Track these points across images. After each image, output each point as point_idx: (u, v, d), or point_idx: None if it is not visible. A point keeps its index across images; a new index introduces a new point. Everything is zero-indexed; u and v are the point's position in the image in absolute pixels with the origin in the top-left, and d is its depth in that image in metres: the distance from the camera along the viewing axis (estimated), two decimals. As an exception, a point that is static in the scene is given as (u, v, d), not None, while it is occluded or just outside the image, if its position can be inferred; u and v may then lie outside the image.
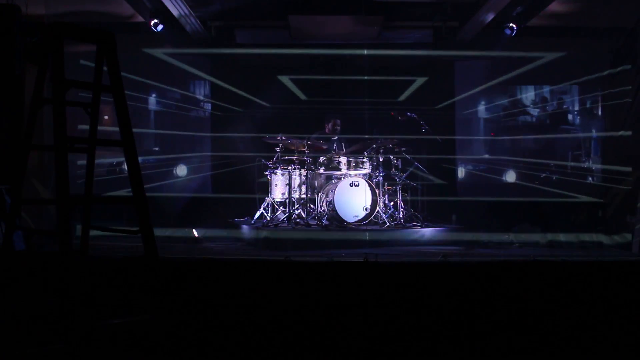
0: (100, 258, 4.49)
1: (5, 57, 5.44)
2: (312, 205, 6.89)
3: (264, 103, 8.71)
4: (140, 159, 3.13)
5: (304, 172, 6.93)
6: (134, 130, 3.07)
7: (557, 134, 8.97)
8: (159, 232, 3.60)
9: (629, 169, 7.26)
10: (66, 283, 2.69)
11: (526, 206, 8.10)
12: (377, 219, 6.70)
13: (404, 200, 6.97)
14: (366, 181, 6.71)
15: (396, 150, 7.09)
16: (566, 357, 3.02)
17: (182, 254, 5.46)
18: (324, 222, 6.59)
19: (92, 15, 7.64)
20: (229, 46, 8.46)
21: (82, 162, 3.37)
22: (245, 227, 6.92)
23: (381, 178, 6.88)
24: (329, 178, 7.04)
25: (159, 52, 8.21)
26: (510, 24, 7.62)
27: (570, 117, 9.05)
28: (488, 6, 7.27)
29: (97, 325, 2.82)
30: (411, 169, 7.09)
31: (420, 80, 8.70)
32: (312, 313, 3.56)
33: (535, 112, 9.15)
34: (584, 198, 8.05)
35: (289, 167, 6.96)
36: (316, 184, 7.04)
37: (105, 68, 3.08)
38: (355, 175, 6.83)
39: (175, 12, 7.42)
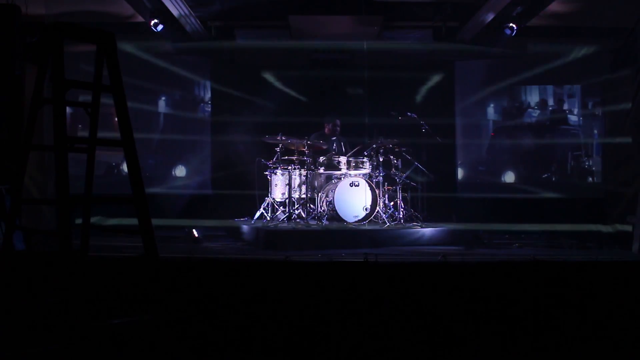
0: (100, 258, 4.49)
1: (5, 57, 5.43)
2: (312, 205, 6.89)
3: (263, 103, 8.72)
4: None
5: (304, 172, 6.93)
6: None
7: (557, 134, 8.98)
8: (159, 232, 3.59)
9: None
10: (66, 283, 2.70)
11: (526, 206, 8.12)
12: (377, 219, 6.70)
13: (404, 200, 6.97)
14: (366, 181, 6.72)
15: (396, 150, 7.09)
16: (566, 357, 3.02)
17: (182, 254, 5.45)
18: (324, 222, 6.59)
19: (92, 15, 7.65)
20: (228, 45, 8.47)
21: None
22: (245, 227, 6.92)
23: (381, 178, 6.88)
24: (329, 178, 7.04)
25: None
26: (510, 24, 7.62)
27: (569, 117, 9.06)
28: (488, 6, 7.27)
29: (97, 325, 2.82)
30: (409, 172, 7.08)
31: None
32: (312, 313, 3.56)
33: (535, 112, 9.15)
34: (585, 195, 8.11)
35: (289, 167, 6.96)
36: (316, 184, 7.04)
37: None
38: (355, 175, 6.83)
39: (175, 12, 7.43)
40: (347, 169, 6.95)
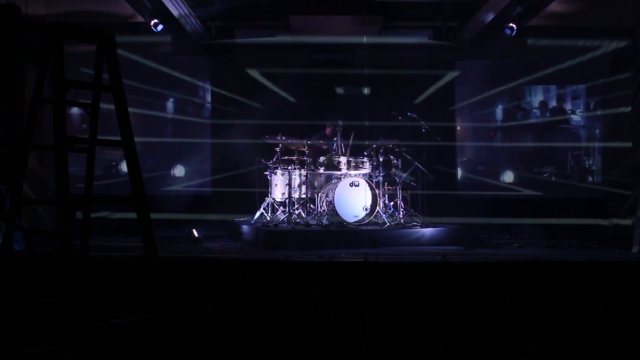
0: (100, 258, 4.49)
1: (5, 57, 5.43)
2: (312, 205, 6.89)
3: (263, 103, 8.73)
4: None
5: (304, 172, 6.93)
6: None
7: (557, 134, 8.99)
8: (159, 232, 3.59)
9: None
10: (66, 283, 2.69)
11: (526, 205, 8.13)
12: (377, 219, 6.70)
13: (404, 200, 6.97)
14: (366, 181, 6.71)
15: (396, 150, 7.09)
16: (566, 357, 3.01)
17: (182, 254, 5.45)
18: (324, 222, 6.59)
19: (92, 15, 7.65)
20: (228, 44, 8.48)
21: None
22: (245, 227, 6.92)
23: (381, 178, 6.88)
24: (329, 178, 7.04)
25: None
26: (510, 24, 7.62)
27: (569, 117, 9.06)
28: (488, 6, 7.28)
29: (97, 325, 2.82)
30: (408, 175, 7.08)
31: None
32: (313, 313, 3.56)
33: (535, 112, 9.16)
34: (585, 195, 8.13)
35: (289, 167, 6.96)
36: (316, 184, 7.03)
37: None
38: (355, 175, 6.82)
39: (175, 12, 7.43)
40: (347, 169, 6.94)
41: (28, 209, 6.86)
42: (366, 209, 6.65)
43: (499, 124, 9.17)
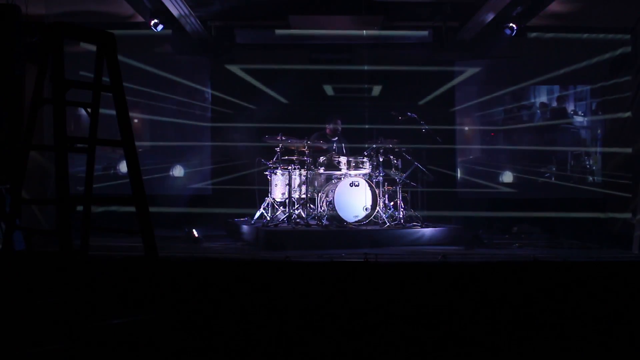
0: (100, 258, 4.49)
1: (5, 57, 5.43)
2: (312, 205, 6.89)
3: (263, 103, 8.73)
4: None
5: (304, 172, 6.93)
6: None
7: (557, 134, 8.98)
8: (159, 231, 3.59)
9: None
10: (66, 283, 2.70)
11: (525, 205, 8.13)
12: (377, 219, 6.70)
13: (404, 200, 6.97)
14: (366, 181, 6.71)
15: (396, 150, 7.09)
16: (567, 357, 3.01)
17: (182, 254, 5.45)
18: (324, 222, 6.59)
19: (92, 15, 7.65)
20: (229, 46, 8.49)
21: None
22: (245, 227, 6.92)
23: (381, 178, 6.88)
24: (329, 178, 7.04)
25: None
26: (510, 24, 7.62)
27: (570, 117, 9.05)
28: (488, 6, 7.28)
29: (97, 325, 2.82)
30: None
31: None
32: (313, 313, 3.56)
33: (535, 112, 9.15)
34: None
35: (289, 167, 6.96)
36: (316, 184, 7.03)
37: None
38: (355, 175, 6.82)
39: (175, 12, 7.43)
40: (347, 169, 6.94)
41: (28, 209, 6.86)
42: (366, 209, 6.65)
43: (498, 123, 9.17)
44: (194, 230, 6.71)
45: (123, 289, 3.61)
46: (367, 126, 8.22)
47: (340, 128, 7.64)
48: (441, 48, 8.47)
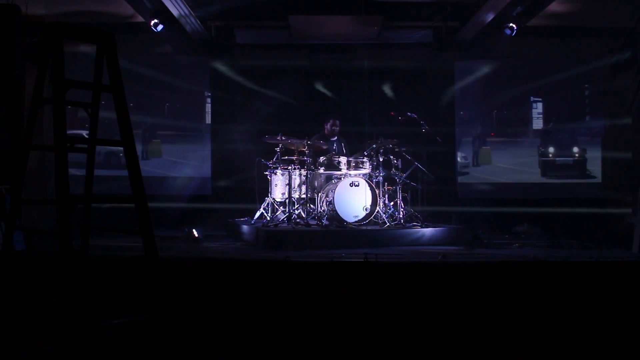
0: (100, 258, 4.49)
1: (5, 57, 5.44)
2: (312, 205, 6.89)
3: (263, 103, 8.72)
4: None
5: (304, 172, 6.93)
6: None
7: (557, 134, 8.98)
8: (159, 232, 3.59)
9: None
10: (66, 283, 2.70)
11: (525, 205, 8.14)
12: (377, 219, 6.70)
13: (404, 200, 6.97)
14: (366, 181, 6.71)
15: (396, 150, 7.09)
16: (567, 357, 3.02)
17: (182, 254, 5.45)
18: (324, 222, 6.59)
19: (92, 15, 7.66)
20: (229, 46, 8.49)
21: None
22: (245, 227, 6.92)
23: (381, 178, 6.88)
24: (329, 178, 7.04)
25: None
26: (510, 24, 7.62)
27: (570, 118, 9.05)
28: (488, 6, 7.28)
29: (97, 325, 2.82)
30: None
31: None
32: (313, 313, 3.56)
33: (535, 112, 9.15)
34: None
35: (289, 167, 6.96)
36: (316, 184, 7.03)
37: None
38: (355, 175, 6.82)
39: (175, 12, 7.43)
40: (347, 169, 6.94)
41: (27, 209, 6.86)
42: (366, 209, 6.65)
43: (499, 123, 9.16)
44: (194, 230, 6.71)
45: (123, 289, 3.61)
46: (367, 126, 8.22)
47: (338, 128, 7.64)
48: (441, 48, 8.48)
